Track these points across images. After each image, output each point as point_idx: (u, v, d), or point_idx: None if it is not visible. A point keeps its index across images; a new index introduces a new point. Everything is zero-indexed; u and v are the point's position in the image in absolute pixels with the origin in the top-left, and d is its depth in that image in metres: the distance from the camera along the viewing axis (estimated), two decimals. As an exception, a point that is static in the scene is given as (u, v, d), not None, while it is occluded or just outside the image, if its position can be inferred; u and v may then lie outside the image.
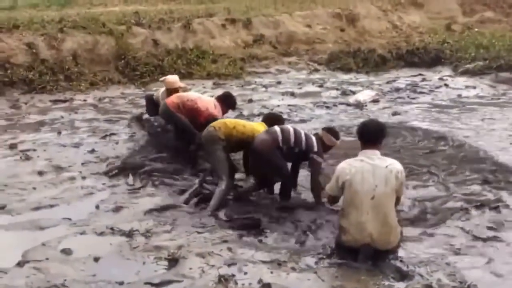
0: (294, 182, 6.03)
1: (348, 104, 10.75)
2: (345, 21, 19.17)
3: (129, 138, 8.35)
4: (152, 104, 8.41)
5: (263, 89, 12.53)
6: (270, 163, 5.66)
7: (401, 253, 4.57)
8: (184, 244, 4.82)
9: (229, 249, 4.72)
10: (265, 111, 9.69)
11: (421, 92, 11.90)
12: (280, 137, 5.63)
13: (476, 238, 4.95)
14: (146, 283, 4.17)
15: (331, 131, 5.94)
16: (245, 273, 4.28)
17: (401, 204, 4.97)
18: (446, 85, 12.56)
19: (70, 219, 5.45)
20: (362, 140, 4.61)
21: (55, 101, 11.04)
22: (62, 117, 9.78)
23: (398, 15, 21.13)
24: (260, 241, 4.93)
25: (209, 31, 15.89)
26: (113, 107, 10.73)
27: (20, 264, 4.48)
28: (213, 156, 5.94)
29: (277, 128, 5.78)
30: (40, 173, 6.79)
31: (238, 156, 6.55)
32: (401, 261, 4.44)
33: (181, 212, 5.64)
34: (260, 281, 4.12)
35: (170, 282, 4.19)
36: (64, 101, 11.11)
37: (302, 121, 9.34)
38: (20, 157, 7.38)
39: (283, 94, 11.88)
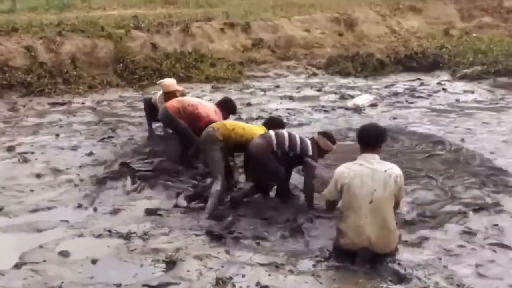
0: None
1: (347, 108, 10.76)
2: (343, 26, 19.22)
3: (127, 141, 8.34)
4: (150, 108, 8.42)
5: (262, 93, 12.54)
6: (265, 167, 5.66)
7: (399, 256, 4.57)
8: (182, 247, 4.82)
9: (227, 252, 4.72)
10: (264, 115, 9.71)
11: (419, 97, 11.90)
12: (274, 142, 5.64)
13: (474, 241, 4.95)
14: (143, 286, 4.17)
15: (327, 135, 5.94)
16: (243, 276, 4.28)
17: (400, 208, 4.97)
18: (444, 89, 12.58)
19: (67, 221, 5.44)
20: (362, 144, 4.61)
21: (53, 104, 11.03)
22: (60, 120, 9.77)
23: (397, 20, 21.19)
24: (258, 243, 4.92)
25: (208, 35, 15.91)
26: (111, 110, 10.73)
27: (17, 266, 4.48)
28: (210, 156, 5.95)
29: (271, 132, 5.79)
30: (38, 175, 6.78)
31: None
32: (399, 264, 4.44)
33: (179, 214, 5.63)
34: (258, 283, 4.13)
35: (167, 284, 4.19)
36: (63, 104, 11.09)
37: (301, 125, 9.35)
38: (18, 160, 7.37)
39: (281, 98, 11.88)
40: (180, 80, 12.56)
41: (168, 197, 6.11)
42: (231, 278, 4.22)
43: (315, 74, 15.05)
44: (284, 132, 5.83)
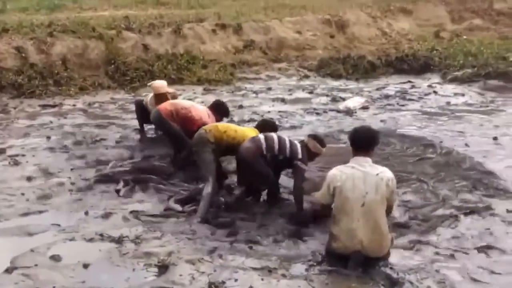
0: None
1: (338, 111, 10.78)
2: (335, 28, 19.25)
3: (118, 144, 8.31)
4: (142, 110, 8.39)
5: (254, 95, 12.53)
6: (255, 171, 5.68)
7: (391, 260, 4.58)
8: (174, 251, 4.81)
9: (220, 256, 4.72)
10: (256, 117, 9.71)
11: (410, 99, 11.95)
12: (264, 145, 5.65)
13: (465, 245, 4.98)
14: (136, 290, 4.16)
15: (317, 138, 5.95)
16: (236, 280, 4.28)
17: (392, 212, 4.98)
18: (435, 92, 12.63)
19: (59, 225, 5.42)
20: (354, 146, 4.62)
21: (44, 106, 10.95)
22: (51, 122, 9.72)
23: (388, 22, 21.25)
24: (251, 248, 4.93)
25: (200, 36, 15.88)
26: (102, 112, 10.68)
27: (8, 271, 4.45)
28: (201, 157, 5.98)
29: (261, 136, 5.80)
30: (29, 178, 6.74)
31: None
32: (391, 268, 4.46)
33: (171, 218, 5.63)
34: (250, 288, 4.13)
35: (160, 288, 4.18)
36: (54, 106, 11.03)
37: (293, 127, 9.36)
38: (9, 162, 7.32)
39: (273, 100, 11.89)
40: (171, 82, 12.54)
41: (160, 201, 6.11)
42: (223, 282, 4.22)
43: (306, 76, 15.06)
44: (274, 135, 5.84)
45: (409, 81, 14.01)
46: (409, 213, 5.64)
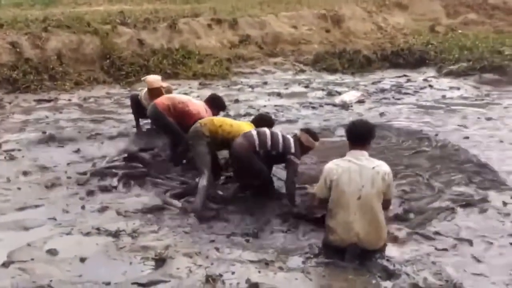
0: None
1: (334, 105, 10.79)
2: (330, 22, 19.21)
3: (114, 138, 8.29)
4: (137, 105, 8.36)
5: (250, 89, 12.54)
6: (248, 167, 5.68)
7: (387, 252, 4.59)
8: (171, 244, 4.81)
9: (217, 249, 4.72)
10: (252, 111, 9.72)
11: (405, 93, 11.98)
12: (256, 141, 5.65)
13: (461, 237, 5.00)
14: (133, 283, 4.15)
15: (310, 132, 5.97)
16: (233, 273, 4.28)
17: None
18: (430, 86, 12.66)
19: (55, 219, 5.40)
20: (350, 140, 4.62)
21: (40, 101, 10.94)
22: (46, 117, 9.70)
23: (383, 16, 21.23)
24: (248, 241, 4.93)
25: (195, 31, 15.84)
26: (98, 107, 10.66)
27: (5, 265, 4.44)
28: (196, 150, 6.01)
29: (253, 131, 5.79)
30: (25, 173, 6.72)
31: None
32: (387, 260, 4.47)
33: (168, 212, 5.62)
34: (247, 280, 4.12)
35: (157, 282, 4.17)
36: (49, 100, 11.01)
37: (289, 121, 9.36)
38: (5, 157, 7.30)
39: (269, 94, 11.89)
40: (167, 77, 12.55)
41: (157, 195, 6.09)
42: (221, 275, 4.22)
43: (302, 71, 15.08)
44: (266, 130, 5.83)
45: (405, 75, 14.04)
46: (405, 205, 5.65)
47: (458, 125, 9.06)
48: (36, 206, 5.78)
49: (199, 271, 4.31)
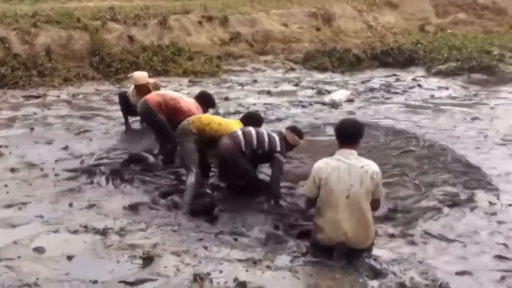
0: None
1: (324, 103, 10.82)
2: (321, 21, 19.26)
3: (103, 135, 8.27)
4: (126, 101, 8.33)
5: (239, 87, 12.53)
6: (234, 167, 5.69)
7: (374, 251, 4.61)
8: (159, 242, 4.80)
9: (205, 248, 4.72)
10: (242, 109, 9.72)
11: (395, 92, 12.04)
12: (242, 141, 5.66)
13: (447, 237, 5.03)
14: (120, 282, 4.13)
15: (295, 130, 6.01)
16: (221, 272, 4.28)
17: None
18: (419, 85, 12.73)
19: (42, 216, 5.36)
20: (340, 139, 4.62)
21: (28, 97, 10.87)
22: (35, 113, 9.64)
23: (373, 15, 21.31)
24: (236, 239, 4.93)
25: (185, 28, 15.80)
26: (87, 104, 10.61)
27: (-9, 263, 4.41)
28: (184, 148, 6.01)
29: (239, 131, 5.79)
30: (12, 170, 6.68)
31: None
32: (374, 259, 4.50)
33: (156, 210, 5.61)
34: (235, 279, 4.13)
35: (144, 280, 4.16)
36: (37, 97, 10.94)
37: (278, 119, 9.37)
38: (-8, 154, 7.25)
39: (259, 92, 11.90)
40: (157, 74, 12.55)
41: (145, 192, 6.07)
42: (208, 274, 4.22)
43: (292, 69, 15.10)
44: (252, 130, 5.83)
45: (394, 75, 14.12)
46: (392, 205, 5.66)
47: (445, 125, 9.11)
48: (23, 203, 5.72)
49: (187, 269, 4.31)
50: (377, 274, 4.29)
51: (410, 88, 12.47)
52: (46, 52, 12.53)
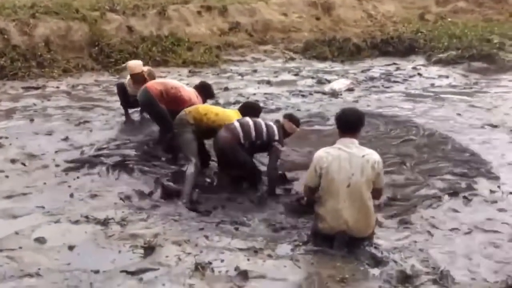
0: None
1: (324, 93, 10.80)
2: (320, 10, 19.17)
3: (103, 126, 8.26)
4: (124, 92, 8.29)
5: (239, 77, 12.51)
6: (233, 160, 5.68)
7: (375, 239, 4.62)
8: (160, 232, 4.80)
9: (206, 237, 4.73)
10: (241, 99, 9.70)
11: (395, 81, 12.01)
12: (241, 133, 5.65)
13: (448, 225, 5.04)
14: (122, 271, 4.14)
15: (292, 119, 6.01)
16: (222, 261, 4.29)
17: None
18: (419, 74, 12.71)
19: (43, 207, 5.37)
20: (340, 128, 4.61)
21: (27, 88, 10.84)
22: (34, 104, 9.62)
23: (373, 4, 21.19)
24: (237, 229, 4.95)
25: (185, 18, 15.74)
26: (86, 95, 10.59)
27: (-7, 253, 4.42)
28: (181, 138, 6.00)
29: (236, 123, 5.76)
30: (13, 161, 6.67)
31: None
32: (375, 247, 4.50)
33: (157, 200, 5.62)
34: (236, 268, 4.14)
35: (146, 270, 4.17)
36: (37, 88, 10.92)
37: (278, 109, 9.35)
38: (-8, 145, 7.25)
39: (259, 82, 11.87)
40: (157, 64, 12.52)
41: (146, 183, 6.08)
42: (210, 263, 4.23)
43: (292, 59, 15.07)
44: (249, 120, 5.80)
45: (394, 63, 14.09)
46: (393, 193, 5.67)
47: (446, 114, 9.09)
48: (24, 194, 5.72)
49: (188, 259, 4.31)
50: (378, 262, 4.30)
51: (410, 77, 12.45)
52: (45, 43, 12.50)
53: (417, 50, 15.21)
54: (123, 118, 8.58)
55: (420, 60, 14.39)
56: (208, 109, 6.23)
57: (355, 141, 4.55)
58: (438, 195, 5.70)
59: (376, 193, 4.57)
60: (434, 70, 13.11)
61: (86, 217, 5.12)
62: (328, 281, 4.01)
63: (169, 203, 5.52)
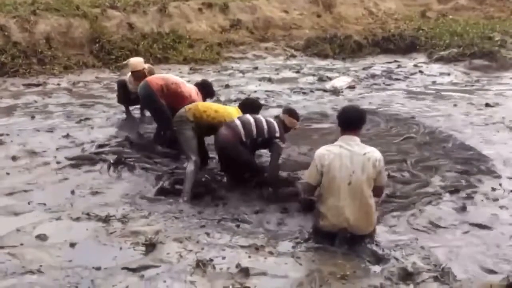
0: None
1: (325, 90, 10.80)
2: (321, 7, 19.16)
3: (104, 123, 8.26)
4: (125, 89, 8.28)
5: (240, 74, 12.51)
6: (235, 158, 5.66)
7: (376, 237, 4.62)
8: (162, 229, 4.81)
9: (207, 234, 4.73)
10: (242, 96, 9.68)
11: (396, 79, 12.02)
12: (242, 131, 5.61)
13: (449, 222, 5.04)
14: (123, 268, 4.15)
15: (292, 113, 5.98)
16: (223, 258, 4.30)
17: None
18: (420, 71, 12.71)
19: (45, 204, 5.37)
20: (341, 126, 4.61)
21: (28, 85, 10.84)
22: (35, 101, 9.62)
23: (374, 1, 21.17)
24: (238, 226, 4.95)
25: (186, 15, 15.73)
26: (87, 92, 10.59)
27: (-6, 250, 4.42)
28: (182, 135, 5.96)
29: (237, 121, 5.72)
30: (14, 158, 6.67)
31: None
32: (376, 245, 4.51)
33: (158, 197, 5.62)
34: (238, 265, 4.14)
35: (147, 267, 4.18)
36: (38, 85, 10.92)
37: (279, 107, 9.32)
38: (-7, 142, 7.25)
39: (260, 79, 11.87)
40: (157, 61, 12.52)
41: (147, 180, 6.08)
42: (211, 260, 4.23)
43: (293, 56, 15.06)
44: (250, 118, 5.76)
45: (395, 61, 14.09)
46: (394, 191, 5.67)
47: (447, 111, 9.09)
48: (25, 191, 5.73)
49: (190, 256, 4.32)
50: (379, 259, 4.30)
51: (412, 74, 12.45)
52: (46, 40, 12.48)
53: (418, 47, 15.20)
54: (124, 115, 8.58)
55: (421, 58, 14.39)
56: (207, 106, 6.22)
57: (357, 139, 4.55)
58: (439, 193, 5.69)
59: (377, 190, 4.57)
60: (435, 67, 13.10)
61: (88, 214, 5.13)
62: (329, 278, 4.01)
63: (169, 200, 5.51)
